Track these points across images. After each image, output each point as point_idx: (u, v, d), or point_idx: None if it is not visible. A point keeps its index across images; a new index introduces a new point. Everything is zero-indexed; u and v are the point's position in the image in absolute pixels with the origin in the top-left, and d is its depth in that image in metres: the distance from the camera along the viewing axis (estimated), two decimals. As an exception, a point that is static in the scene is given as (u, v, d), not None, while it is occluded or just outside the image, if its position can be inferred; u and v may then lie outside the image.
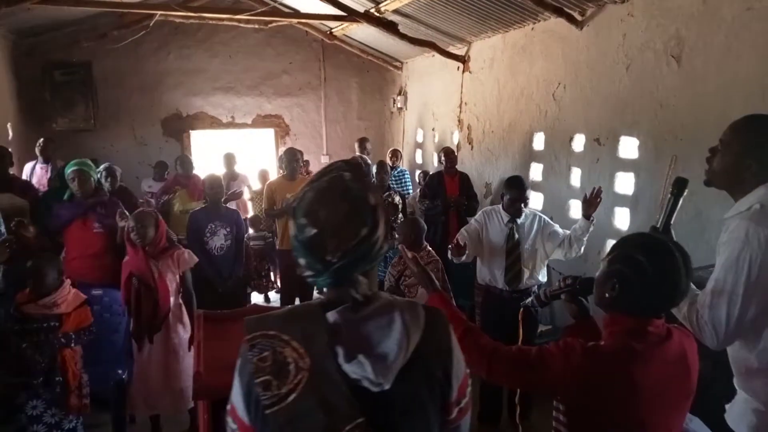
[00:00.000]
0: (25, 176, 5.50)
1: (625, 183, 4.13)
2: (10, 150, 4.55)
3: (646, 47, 3.87)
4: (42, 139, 5.76)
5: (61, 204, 3.91)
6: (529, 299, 2.05)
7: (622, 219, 4.12)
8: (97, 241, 3.85)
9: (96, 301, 3.67)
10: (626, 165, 4.10)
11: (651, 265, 1.42)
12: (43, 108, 6.65)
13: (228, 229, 4.40)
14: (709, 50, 3.40)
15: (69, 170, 3.87)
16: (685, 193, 1.93)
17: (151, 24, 6.58)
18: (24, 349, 2.78)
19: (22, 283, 3.02)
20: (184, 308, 3.53)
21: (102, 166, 5.06)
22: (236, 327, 2.17)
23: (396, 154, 6.96)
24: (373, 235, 1.02)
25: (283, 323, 1.04)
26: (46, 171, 5.49)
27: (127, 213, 3.81)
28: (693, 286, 1.77)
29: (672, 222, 1.93)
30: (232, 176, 6.26)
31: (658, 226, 1.94)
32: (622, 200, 4.12)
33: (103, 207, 3.92)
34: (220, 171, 6.28)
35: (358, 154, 6.81)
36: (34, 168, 5.60)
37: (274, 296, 6.24)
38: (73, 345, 2.93)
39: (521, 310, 2.11)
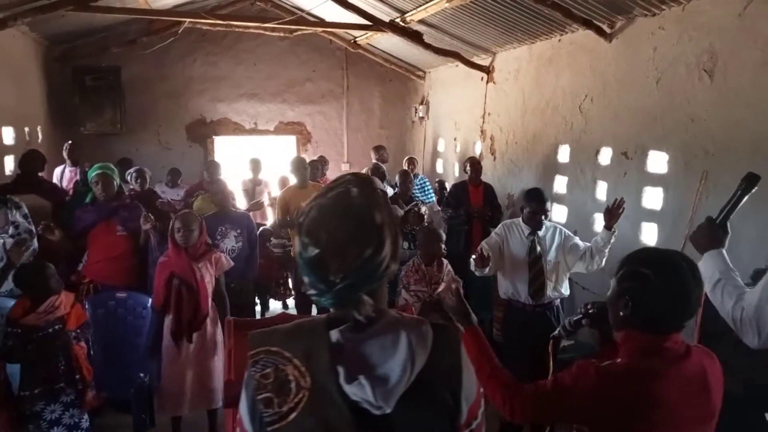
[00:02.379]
0: (55, 179, 5.60)
1: (653, 198, 4.06)
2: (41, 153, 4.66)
3: (677, 61, 3.82)
4: (69, 143, 5.87)
5: (84, 207, 3.95)
6: (557, 331, 2.02)
7: (650, 234, 4.05)
8: (120, 243, 3.88)
9: (120, 303, 3.71)
10: (654, 180, 4.03)
11: (659, 278, 1.42)
12: (73, 112, 6.77)
13: (238, 231, 4.41)
14: (743, 65, 3.34)
15: (93, 174, 3.92)
16: (753, 190, 1.86)
17: (179, 31, 6.69)
18: (38, 351, 2.79)
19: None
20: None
21: (132, 168, 5.14)
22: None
23: (412, 162, 6.93)
24: (378, 256, 0.99)
25: (286, 340, 1.02)
26: (75, 174, 5.59)
27: (152, 216, 3.86)
28: (740, 281, 1.74)
29: (731, 217, 1.89)
30: (256, 182, 6.30)
31: (716, 217, 1.90)
32: (649, 215, 4.05)
33: (126, 210, 3.96)
34: (245, 176, 6.37)
35: (374, 161, 6.82)
36: (63, 171, 5.70)
37: (293, 303, 6.24)
38: (80, 341, 2.96)
39: (550, 342, 2.06)
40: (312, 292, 1.02)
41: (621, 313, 1.48)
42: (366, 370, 0.97)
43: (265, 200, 6.38)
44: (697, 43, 3.65)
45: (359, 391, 0.96)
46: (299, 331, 1.04)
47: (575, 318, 1.84)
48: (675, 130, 3.84)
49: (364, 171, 6.39)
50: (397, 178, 5.50)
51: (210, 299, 3.47)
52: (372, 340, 1.00)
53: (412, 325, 1.02)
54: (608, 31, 4.46)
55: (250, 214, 5.28)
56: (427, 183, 6.72)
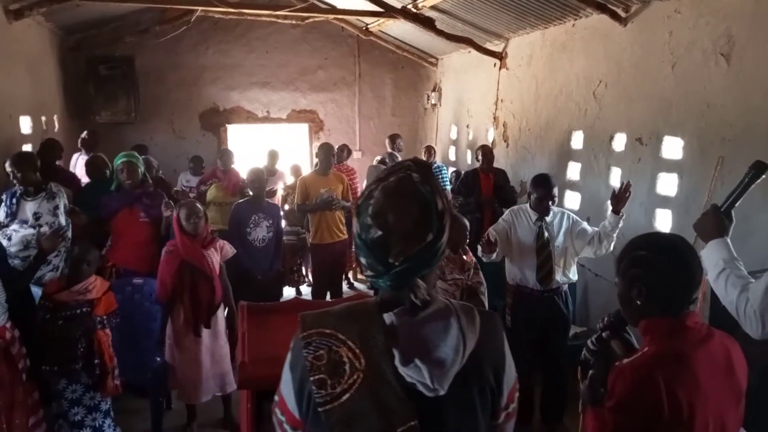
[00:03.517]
0: (71, 167, 5.69)
1: (667, 184, 4.02)
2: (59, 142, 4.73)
3: (693, 45, 3.75)
4: (85, 132, 5.94)
5: (109, 194, 4.04)
6: (582, 355, 1.96)
7: (664, 221, 4.02)
8: (142, 230, 3.97)
9: (137, 289, 3.78)
10: (669, 166, 3.99)
11: (660, 257, 1.46)
12: (87, 101, 6.84)
13: (270, 221, 4.47)
14: (761, 49, 3.28)
15: (118, 162, 4.01)
16: (762, 178, 1.84)
17: (192, 19, 6.71)
18: (63, 328, 2.87)
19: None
20: None
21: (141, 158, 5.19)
22: (278, 319, 2.23)
23: (430, 151, 6.94)
24: (439, 241, 1.01)
25: (339, 322, 1.03)
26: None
27: (172, 203, 3.93)
28: (744, 271, 1.74)
29: (736, 205, 1.87)
30: (271, 172, 6.35)
31: (721, 205, 1.89)
32: (663, 202, 4.02)
33: (148, 198, 4.04)
34: (260, 165, 6.41)
35: (388, 150, 6.82)
36: (77, 160, 5.78)
37: (306, 290, 6.30)
38: (105, 328, 3.02)
39: (579, 368, 2.02)
40: (369, 273, 1.04)
41: (637, 303, 1.49)
42: (421, 352, 0.99)
43: (279, 190, 6.44)
44: (714, 28, 3.59)
45: (415, 374, 0.98)
46: (353, 313, 1.05)
47: (595, 335, 1.82)
48: (690, 115, 3.79)
49: (377, 159, 6.42)
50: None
51: None
52: (426, 323, 1.01)
53: (462, 310, 1.05)
54: (623, 15, 4.39)
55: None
56: (444, 170, 6.71)
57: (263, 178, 4.61)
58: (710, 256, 1.81)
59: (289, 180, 6.61)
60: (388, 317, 1.02)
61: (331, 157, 5.19)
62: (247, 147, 6.85)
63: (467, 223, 3.93)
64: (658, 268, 1.45)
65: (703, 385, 1.39)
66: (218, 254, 3.54)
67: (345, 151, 6.64)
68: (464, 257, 3.73)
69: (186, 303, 3.38)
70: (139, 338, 3.62)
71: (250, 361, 1.82)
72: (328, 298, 5.13)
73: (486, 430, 1.09)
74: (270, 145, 6.72)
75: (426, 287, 1.03)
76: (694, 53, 3.75)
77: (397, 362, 0.98)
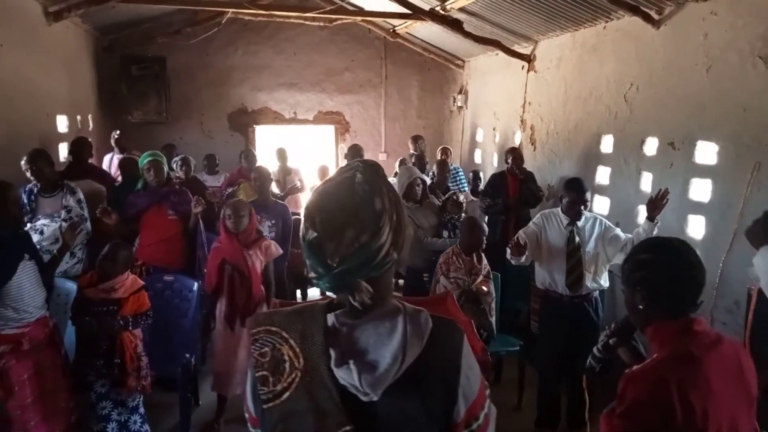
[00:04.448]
0: (105, 166, 5.82)
1: (700, 190, 3.94)
2: (90, 140, 4.85)
3: (729, 47, 3.68)
4: (117, 131, 6.08)
5: (136, 193, 4.12)
6: (588, 362, 1.95)
7: (697, 227, 3.94)
8: (171, 227, 4.04)
9: (167, 286, 3.84)
10: (703, 171, 3.91)
11: (660, 257, 1.48)
12: (120, 101, 6.99)
13: (272, 222, 4.48)
14: (801, 51, 3.20)
15: (144, 161, 4.09)
16: None
17: (222, 21, 6.80)
18: (88, 324, 2.93)
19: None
20: None
21: (178, 157, 5.28)
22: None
23: (446, 152, 6.89)
24: (375, 242, 0.97)
25: (286, 320, 1.03)
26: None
27: (203, 200, 3.99)
28: None
29: None
30: (286, 170, 6.38)
31: None
32: (696, 208, 3.94)
33: (175, 195, 4.12)
34: (273, 167, 6.46)
35: (411, 151, 6.82)
36: (112, 159, 5.91)
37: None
38: (130, 329, 3.04)
39: (584, 376, 2.00)
40: (312, 275, 1.02)
41: (641, 306, 1.49)
42: (356, 355, 0.97)
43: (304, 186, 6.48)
44: (752, 29, 3.51)
45: (347, 376, 0.96)
46: (299, 313, 1.04)
47: (602, 343, 1.81)
48: (726, 119, 3.71)
49: (399, 160, 6.44)
50: (434, 168, 5.49)
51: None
52: (367, 326, 0.99)
53: (412, 317, 1.01)
54: (656, 17, 4.32)
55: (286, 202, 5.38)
56: (461, 172, 6.68)
57: (267, 178, 4.61)
58: (763, 262, 1.78)
59: (314, 180, 6.64)
60: (330, 318, 1.01)
61: (359, 158, 5.20)
62: (275, 148, 6.89)
63: (486, 229, 3.92)
64: (659, 270, 1.47)
65: (716, 389, 1.37)
66: (262, 254, 3.57)
67: (358, 152, 6.63)
68: (475, 262, 3.73)
69: (225, 298, 3.47)
70: (169, 334, 3.68)
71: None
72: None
73: None
74: (279, 144, 6.72)
75: (370, 291, 0.98)
76: (731, 55, 3.67)
77: (332, 363, 0.97)
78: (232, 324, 3.47)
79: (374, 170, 1.04)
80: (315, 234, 0.99)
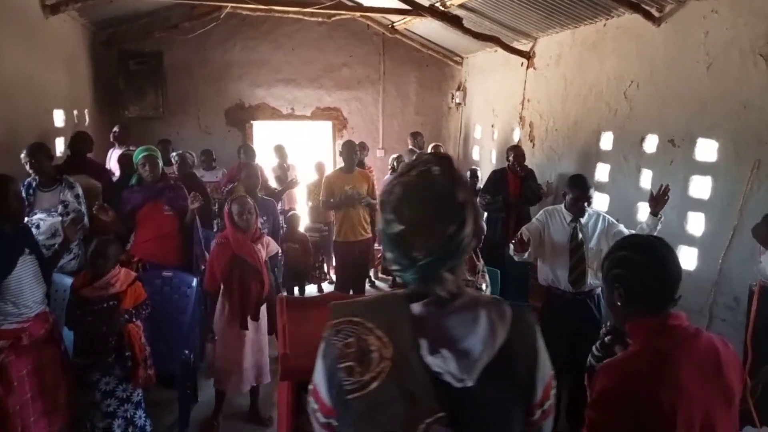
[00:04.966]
0: (107, 162, 5.78)
1: (700, 187, 3.95)
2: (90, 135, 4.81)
3: (730, 45, 3.68)
4: (117, 126, 6.04)
5: (131, 188, 4.07)
6: (588, 362, 1.98)
7: (697, 224, 3.95)
8: (167, 223, 3.99)
9: (166, 282, 3.82)
10: (703, 168, 3.92)
11: (635, 254, 1.50)
12: (117, 95, 6.95)
13: (264, 218, 4.46)
14: (803, 49, 3.21)
15: (139, 156, 4.01)
16: None
17: (221, 16, 6.77)
18: (92, 324, 2.91)
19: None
20: None
21: (176, 153, 5.25)
22: (315, 312, 2.24)
23: (438, 149, 6.86)
24: (461, 233, 1.01)
25: (368, 311, 1.05)
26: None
27: (200, 195, 3.97)
28: None
29: None
30: (285, 167, 6.38)
31: None
32: (696, 205, 3.95)
33: (171, 190, 4.07)
34: (272, 163, 6.47)
35: (409, 147, 6.81)
36: (112, 154, 5.88)
37: (328, 288, 6.32)
38: (135, 320, 3.05)
39: (585, 374, 2.02)
40: (395, 267, 1.05)
41: (618, 303, 1.51)
42: (448, 343, 0.99)
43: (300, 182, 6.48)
44: (753, 28, 3.52)
45: (442, 363, 0.98)
46: (381, 303, 1.07)
47: (599, 341, 1.83)
48: (726, 117, 3.72)
49: (392, 157, 6.45)
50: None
51: None
52: (453, 315, 1.02)
53: (492, 303, 1.05)
54: (657, 15, 4.33)
55: (281, 199, 5.38)
56: None
57: (256, 175, 4.60)
58: None
59: (312, 176, 6.64)
60: (416, 307, 1.03)
61: (354, 155, 5.20)
62: (272, 143, 6.89)
63: (484, 227, 3.92)
64: (634, 266, 1.49)
65: (687, 385, 1.37)
66: (264, 249, 3.60)
67: (365, 149, 6.71)
68: (475, 259, 3.74)
69: (235, 296, 3.44)
70: (168, 330, 3.66)
71: (291, 353, 1.84)
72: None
73: (520, 426, 1.08)
74: (277, 140, 6.77)
75: (454, 279, 1.02)
76: (731, 53, 3.68)
77: (423, 352, 0.99)
78: (244, 321, 3.45)
79: (449, 162, 1.07)
80: (401, 227, 1.01)
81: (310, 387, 1.12)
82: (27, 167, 3.69)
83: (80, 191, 3.88)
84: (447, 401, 0.98)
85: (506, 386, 1.04)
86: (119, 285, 3.03)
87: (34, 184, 3.77)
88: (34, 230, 3.58)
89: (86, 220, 3.86)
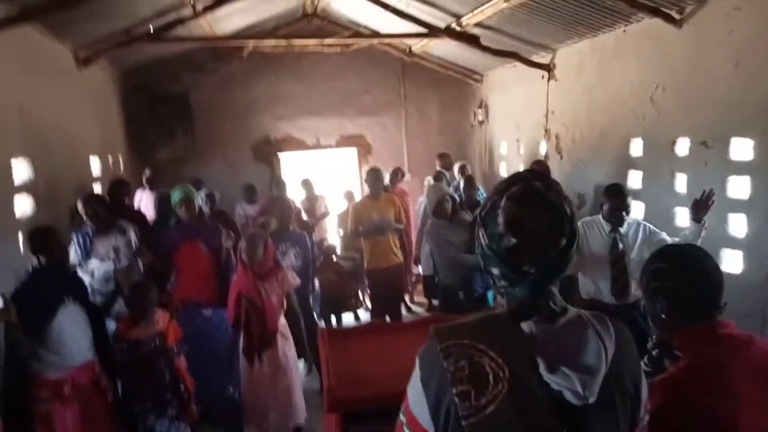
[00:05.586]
0: (136, 204, 5.94)
1: (739, 187, 3.84)
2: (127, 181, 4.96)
3: (757, 41, 3.61)
4: (147, 169, 6.21)
5: (169, 229, 4.16)
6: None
7: (738, 225, 3.83)
8: (204, 262, 4.06)
9: (206, 321, 3.86)
10: (740, 168, 3.82)
11: (672, 264, 1.47)
12: (147, 139, 7.15)
13: (297, 249, 4.50)
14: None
15: (177, 197, 4.12)
16: None
17: (245, 54, 6.95)
18: (146, 363, 2.95)
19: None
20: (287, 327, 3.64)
21: (202, 192, 5.37)
22: (357, 342, 2.24)
23: (464, 170, 6.79)
24: (572, 246, 1.01)
25: (476, 333, 1.01)
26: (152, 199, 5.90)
27: (233, 233, 4.02)
28: None
29: None
30: (313, 199, 6.47)
31: None
32: (736, 205, 3.84)
33: (207, 230, 4.14)
34: (300, 196, 6.56)
35: (438, 169, 6.80)
36: (141, 197, 6.04)
37: (363, 315, 6.30)
38: (180, 356, 3.11)
39: None
40: (502, 283, 1.03)
41: (663, 316, 1.47)
42: (567, 360, 0.97)
43: (330, 212, 6.55)
44: (780, 21, 3.45)
45: (564, 381, 0.96)
46: (488, 324, 1.04)
47: (647, 356, 1.78)
48: (759, 113, 3.63)
49: (428, 179, 6.43)
50: (460, 185, 5.47)
51: (281, 316, 3.54)
52: (565, 330, 1.00)
53: (596, 317, 1.04)
54: (677, 17, 4.28)
55: (312, 229, 5.44)
56: (481, 192, 6.63)
57: (289, 206, 4.68)
58: None
59: (342, 205, 6.69)
60: (527, 326, 1.01)
61: (379, 182, 5.17)
62: (300, 174, 7.01)
63: None
64: (673, 277, 1.45)
65: (745, 395, 1.32)
66: (279, 285, 3.53)
67: (399, 174, 6.73)
68: None
69: (243, 331, 3.46)
70: (211, 368, 3.68)
71: (336, 385, 1.84)
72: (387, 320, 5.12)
73: None
74: (303, 175, 6.92)
75: (559, 294, 1.02)
76: (759, 49, 3.60)
77: (542, 370, 0.96)
78: (250, 358, 3.43)
79: (548, 177, 1.07)
80: (515, 241, 1.00)
81: (403, 418, 1.07)
82: (84, 216, 3.82)
83: (132, 236, 3.97)
84: (566, 420, 0.96)
85: (620, 401, 1.01)
86: (162, 323, 3.09)
87: (91, 232, 3.89)
88: (87, 278, 3.66)
89: (141, 266, 3.93)
